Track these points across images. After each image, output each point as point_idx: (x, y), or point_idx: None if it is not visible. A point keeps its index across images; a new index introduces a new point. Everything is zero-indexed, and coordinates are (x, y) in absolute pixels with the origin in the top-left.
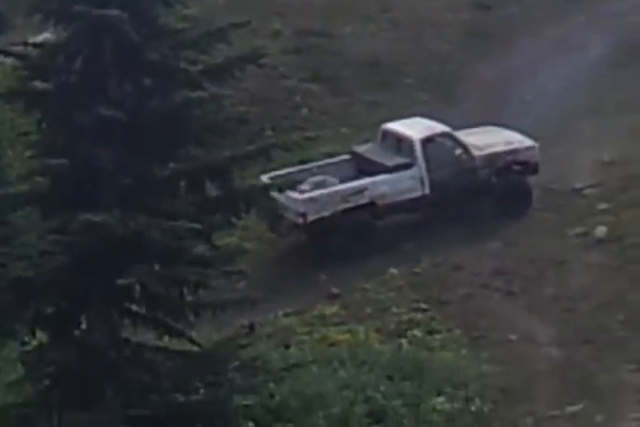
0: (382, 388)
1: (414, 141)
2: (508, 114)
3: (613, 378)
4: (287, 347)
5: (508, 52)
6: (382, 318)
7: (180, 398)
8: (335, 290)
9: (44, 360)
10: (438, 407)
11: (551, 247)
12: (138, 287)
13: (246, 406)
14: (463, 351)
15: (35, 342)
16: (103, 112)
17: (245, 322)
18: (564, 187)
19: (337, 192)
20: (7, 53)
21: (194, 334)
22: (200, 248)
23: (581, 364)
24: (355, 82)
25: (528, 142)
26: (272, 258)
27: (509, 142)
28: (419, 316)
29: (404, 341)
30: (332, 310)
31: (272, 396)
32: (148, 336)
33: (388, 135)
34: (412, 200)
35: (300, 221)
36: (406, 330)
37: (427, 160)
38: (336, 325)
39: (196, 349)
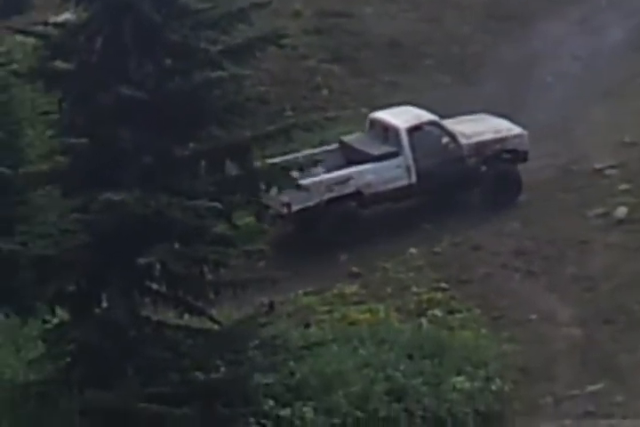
0: (402, 367)
1: (400, 130)
2: (528, 96)
3: (633, 358)
4: (307, 326)
5: (530, 33)
6: (402, 297)
7: (201, 376)
8: (355, 269)
9: (64, 338)
10: (458, 386)
11: (571, 228)
12: (158, 266)
13: (266, 384)
14: (483, 331)
15: (55, 320)
16: (124, 92)
17: (265, 301)
18: (585, 167)
19: (321, 181)
20: (28, 33)
21: (214, 312)
22: (220, 227)
23: (601, 344)
24: (375, 63)
25: (517, 130)
26: (292, 237)
27: (498, 131)
28: (439, 295)
29: (424, 320)
30: (352, 289)
31: (292, 374)
32: (168, 315)
33: (376, 124)
34: (398, 189)
35: (285, 210)
36: (426, 309)
37: (413, 149)
38: (356, 304)
39: (216, 327)
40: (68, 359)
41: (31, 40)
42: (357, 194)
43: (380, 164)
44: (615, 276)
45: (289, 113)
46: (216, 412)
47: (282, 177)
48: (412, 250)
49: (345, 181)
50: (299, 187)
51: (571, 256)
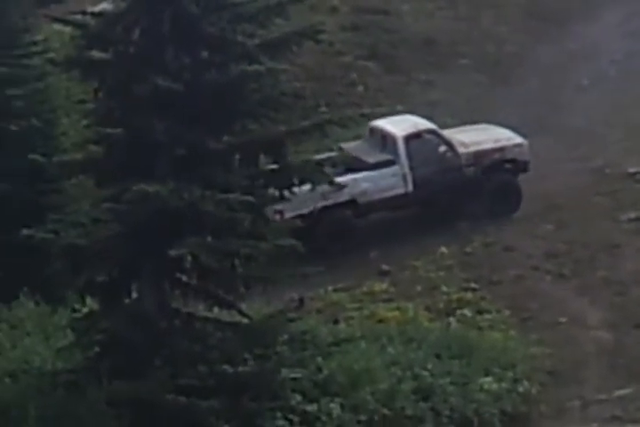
0: (430, 366)
1: (397, 138)
2: (563, 98)
3: None
4: (336, 322)
5: (567, 35)
6: (432, 296)
7: (229, 369)
8: (385, 267)
9: (94, 328)
10: (486, 387)
11: (603, 231)
12: (189, 258)
13: (294, 379)
14: (512, 332)
15: (85, 310)
16: (160, 83)
17: (295, 296)
18: (619, 171)
19: (315, 189)
20: (66, 22)
21: (243, 306)
22: (252, 221)
23: (631, 348)
24: (411, 60)
25: (517, 140)
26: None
27: (497, 140)
28: (468, 295)
29: (452, 319)
30: (381, 286)
31: (320, 370)
32: (198, 307)
33: (375, 132)
34: (394, 198)
35: (277, 218)
36: (455, 309)
37: (410, 157)
38: (385, 301)
39: (245, 321)
40: (97, 349)
41: (69, 29)
42: (352, 202)
43: (375, 172)
44: None
45: (323, 109)
46: (243, 405)
47: (316, 173)
48: (443, 249)
49: (339, 189)
50: (332, 183)
51: (602, 260)
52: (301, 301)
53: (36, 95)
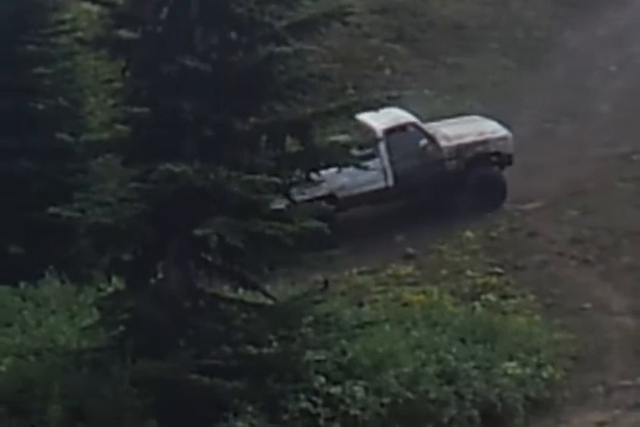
0: (454, 350)
1: (377, 132)
2: (591, 84)
3: None
4: (361, 305)
5: (595, 20)
6: (457, 280)
7: (253, 350)
8: (410, 250)
9: (119, 307)
10: (509, 372)
11: (629, 217)
12: (215, 239)
13: (318, 361)
14: (536, 318)
15: (110, 289)
16: (188, 63)
17: (320, 278)
18: None
19: None
20: (94, 1)
21: (268, 288)
22: (278, 203)
23: None
24: (439, 44)
25: (501, 133)
26: (349, 216)
27: (481, 133)
28: (493, 280)
29: (477, 304)
30: (406, 270)
31: (344, 352)
32: (223, 288)
33: (358, 126)
34: (374, 192)
35: None
36: (480, 293)
37: (390, 151)
38: (410, 285)
39: (270, 302)
40: (122, 328)
41: (97, 8)
42: (331, 197)
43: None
44: None
45: (350, 91)
46: (267, 387)
47: (342, 155)
48: (469, 234)
49: (317, 183)
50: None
51: (627, 246)
52: (326, 283)
53: (63, 74)
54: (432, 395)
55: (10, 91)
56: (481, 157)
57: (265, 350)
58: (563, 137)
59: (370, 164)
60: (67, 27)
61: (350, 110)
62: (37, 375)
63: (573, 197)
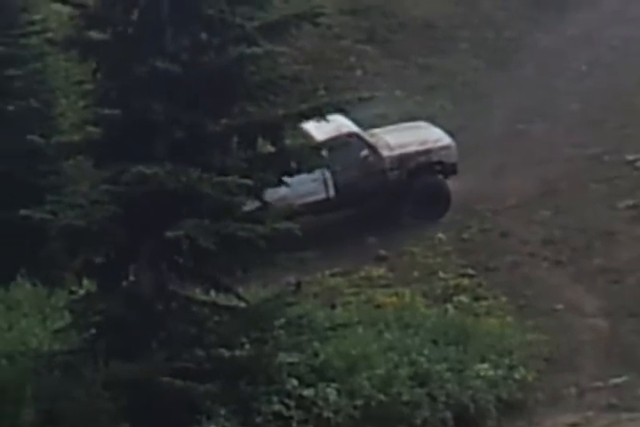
0: (427, 352)
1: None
2: (562, 84)
3: None
4: (333, 307)
5: (565, 21)
6: (429, 282)
7: (225, 352)
8: (383, 252)
9: (91, 309)
10: (482, 374)
11: (600, 218)
12: (187, 241)
13: (290, 363)
14: (508, 319)
15: (82, 291)
16: (159, 64)
17: (292, 280)
18: (617, 159)
19: None
20: (64, 2)
21: (240, 290)
22: (250, 205)
23: (626, 336)
24: (410, 45)
25: (444, 142)
26: (321, 218)
27: (424, 142)
28: (465, 281)
29: (449, 306)
30: (379, 272)
31: (316, 355)
32: (195, 290)
33: (302, 135)
34: (316, 203)
35: None
36: (452, 295)
37: (331, 162)
38: (382, 287)
39: (242, 304)
40: (94, 331)
41: (67, 9)
42: None
43: (294, 177)
44: None
45: (322, 92)
46: (239, 389)
47: (313, 156)
48: (441, 235)
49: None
50: (329, 167)
51: (598, 247)
52: (298, 285)
53: (34, 75)
54: (405, 397)
55: None
56: (423, 167)
57: (237, 353)
58: (534, 137)
59: (310, 175)
60: (37, 28)
61: (321, 111)
62: (9, 379)
63: (545, 197)
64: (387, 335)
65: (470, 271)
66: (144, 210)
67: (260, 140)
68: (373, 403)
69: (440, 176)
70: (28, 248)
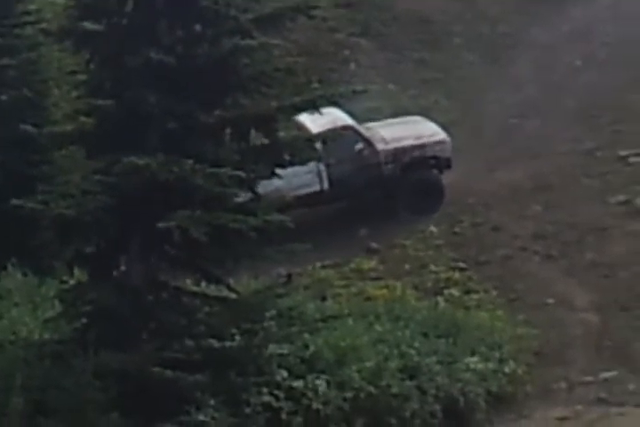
0: (417, 344)
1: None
2: (556, 79)
3: None
4: (324, 299)
5: (560, 16)
6: (420, 275)
7: (215, 343)
8: (374, 245)
9: (81, 299)
10: (472, 367)
11: (592, 213)
12: (178, 231)
13: (280, 354)
14: (499, 313)
15: (73, 281)
16: (153, 56)
17: (283, 272)
18: (609, 154)
19: None
20: None
21: (231, 281)
22: (242, 196)
23: (617, 331)
24: (404, 39)
25: (439, 137)
26: (313, 210)
27: (419, 137)
28: (456, 275)
29: (440, 299)
30: (370, 264)
31: (306, 346)
32: (186, 281)
33: (296, 127)
34: (309, 195)
35: None
36: (443, 288)
37: (325, 154)
38: (373, 279)
39: (233, 296)
40: (84, 320)
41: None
42: None
43: (289, 169)
44: (633, 264)
45: (316, 85)
46: (229, 380)
47: (306, 148)
48: (432, 229)
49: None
50: (320, 159)
51: (590, 242)
52: (289, 277)
53: (27, 66)
54: (394, 389)
55: None
56: (418, 161)
57: (227, 344)
58: (527, 132)
59: (305, 167)
60: (31, 18)
61: (315, 104)
62: None
63: (537, 192)
64: (377, 328)
65: (461, 265)
66: (136, 200)
67: (253, 132)
68: (363, 395)
69: (434, 171)
70: (19, 238)
